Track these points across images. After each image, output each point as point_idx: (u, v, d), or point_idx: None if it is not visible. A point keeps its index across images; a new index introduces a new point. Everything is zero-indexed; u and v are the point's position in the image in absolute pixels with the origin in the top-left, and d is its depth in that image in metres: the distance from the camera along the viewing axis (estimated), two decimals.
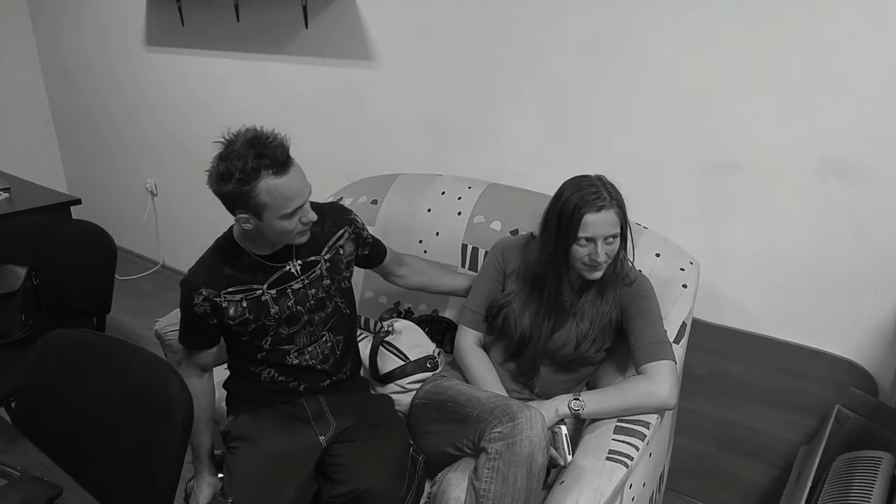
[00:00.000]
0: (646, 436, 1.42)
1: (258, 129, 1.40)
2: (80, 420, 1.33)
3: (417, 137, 2.46)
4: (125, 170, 3.87)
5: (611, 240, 1.50)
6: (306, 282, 1.57)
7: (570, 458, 1.41)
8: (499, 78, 2.17)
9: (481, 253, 1.95)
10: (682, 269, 1.72)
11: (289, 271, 1.55)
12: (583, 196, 1.47)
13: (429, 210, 2.08)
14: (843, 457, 1.67)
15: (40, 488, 1.09)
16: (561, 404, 1.48)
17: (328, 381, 1.65)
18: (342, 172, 2.04)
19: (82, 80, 3.86)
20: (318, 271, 1.59)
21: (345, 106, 2.63)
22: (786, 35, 1.65)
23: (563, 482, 1.35)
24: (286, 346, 1.58)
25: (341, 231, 1.65)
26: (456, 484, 1.39)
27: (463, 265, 2.00)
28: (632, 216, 1.89)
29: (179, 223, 3.68)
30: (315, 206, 1.50)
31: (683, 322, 1.65)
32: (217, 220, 3.36)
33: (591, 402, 1.48)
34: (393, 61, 2.42)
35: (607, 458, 1.36)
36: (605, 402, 1.48)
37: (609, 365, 1.71)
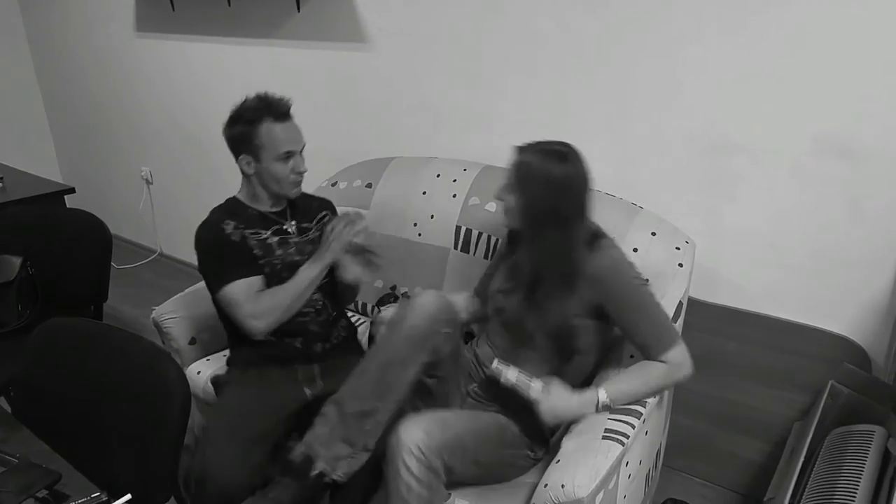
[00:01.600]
0: (641, 414, 1.43)
1: (268, 92, 1.69)
2: (79, 408, 1.34)
3: (412, 120, 2.44)
4: (120, 158, 3.85)
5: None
6: (303, 239, 1.78)
7: (535, 384, 1.45)
8: (493, 58, 2.15)
9: (474, 234, 1.95)
10: (678, 249, 1.72)
11: (285, 229, 1.77)
12: None
13: (424, 193, 2.08)
14: (837, 431, 1.68)
15: (39, 474, 1.09)
16: (594, 396, 1.45)
17: (322, 347, 1.76)
18: (336, 156, 2.05)
19: (74, 69, 3.83)
20: (311, 236, 1.80)
21: (338, 89, 2.62)
22: (780, 15, 1.64)
23: (558, 461, 1.36)
24: None
25: (325, 213, 1.88)
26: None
27: (456, 247, 2.00)
28: (628, 196, 1.90)
29: (176, 210, 3.67)
30: (307, 194, 1.83)
31: (680, 301, 1.65)
32: (214, 205, 3.36)
33: (619, 394, 1.45)
34: (385, 43, 2.41)
35: (603, 437, 1.37)
36: (632, 391, 1.46)
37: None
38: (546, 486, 1.31)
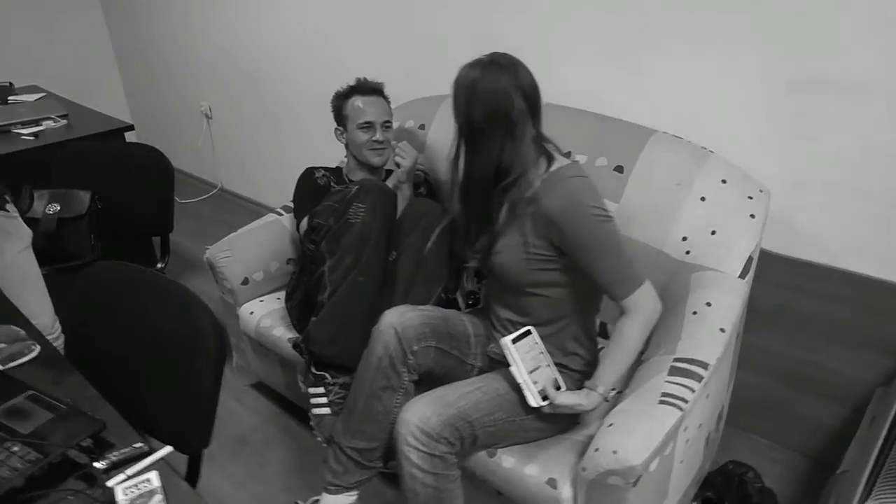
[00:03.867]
0: (703, 377, 1.34)
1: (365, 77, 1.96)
2: (121, 354, 1.34)
3: (467, 55, 2.29)
4: (180, 93, 3.85)
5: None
6: None
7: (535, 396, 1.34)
8: None
9: None
10: (751, 198, 1.58)
11: None
12: None
13: None
14: None
15: (84, 423, 1.08)
16: (597, 398, 1.36)
17: None
18: (392, 94, 1.98)
19: (138, 7, 3.81)
20: None
21: (390, 24, 2.49)
22: None
23: (612, 424, 1.28)
24: None
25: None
26: None
27: None
28: (697, 138, 1.74)
29: (236, 145, 3.66)
30: None
31: (750, 256, 1.52)
32: (273, 141, 3.38)
33: (610, 381, 1.36)
34: None
35: (660, 402, 1.28)
36: (625, 366, 1.37)
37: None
38: (597, 450, 1.24)
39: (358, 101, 1.89)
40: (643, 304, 1.35)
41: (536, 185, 1.37)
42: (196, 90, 3.71)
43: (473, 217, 1.48)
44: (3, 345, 1.28)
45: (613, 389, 1.38)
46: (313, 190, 1.93)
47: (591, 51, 1.98)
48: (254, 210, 3.55)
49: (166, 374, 1.27)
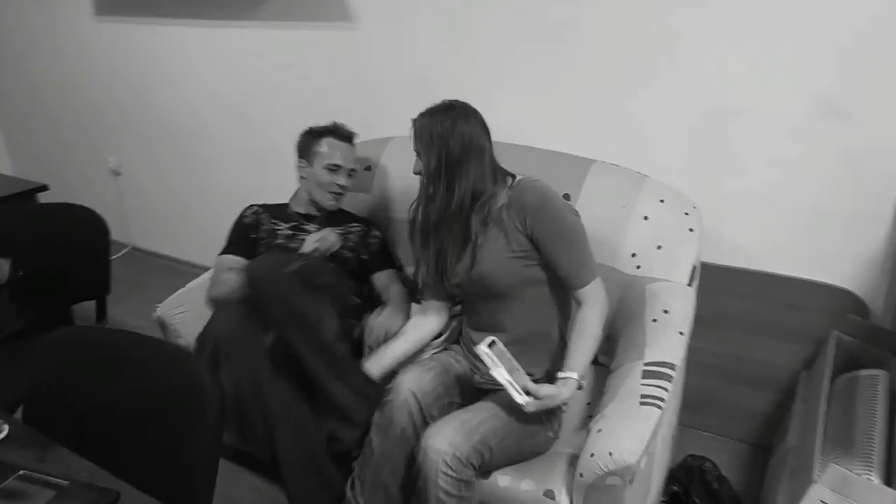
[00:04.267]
0: (672, 377, 1.47)
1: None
2: (109, 423, 1.26)
3: (406, 97, 2.37)
4: (83, 149, 3.67)
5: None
6: None
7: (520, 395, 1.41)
8: (489, 32, 2.13)
9: None
10: (687, 214, 1.76)
11: (303, 228, 1.97)
12: None
13: None
14: (843, 377, 1.76)
15: (94, 496, 1.01)
16: (574, 383, 1.47)
17: None
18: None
19: (27, 55, 3.61)
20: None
21: (326, 71, 2.55)
22: None
23: (600, 430, 1.38)
24: None
25: (358, 224, 2.03)
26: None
27: None
28: (630, 164, 1.91)
29: (147, 202, 3.54)
30: (348, 212, 2.05)
31: (693, 266, 1.70)
32: (186, 195, 3.27)
33: (582, 366, 1.48)
34: (372, 20, 2.35)
35: (641, 403, 1.40)
36: (590, 354, 1.50)
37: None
38: (592, 455, 1.33)
39: (331, 143, 1.94)
40: (599, 294, 1.52)
41: (508, 194, 1.55)
42: (101, 146, 3.56)
43: (451, 244, 1.58)
44: None
45: (583, 377, 1.48)
46: (238, 229, 1.99)
47: (522, 91, 2.14)
48: (172, 267, 3.43)
49: (165, 436, 1.21)
